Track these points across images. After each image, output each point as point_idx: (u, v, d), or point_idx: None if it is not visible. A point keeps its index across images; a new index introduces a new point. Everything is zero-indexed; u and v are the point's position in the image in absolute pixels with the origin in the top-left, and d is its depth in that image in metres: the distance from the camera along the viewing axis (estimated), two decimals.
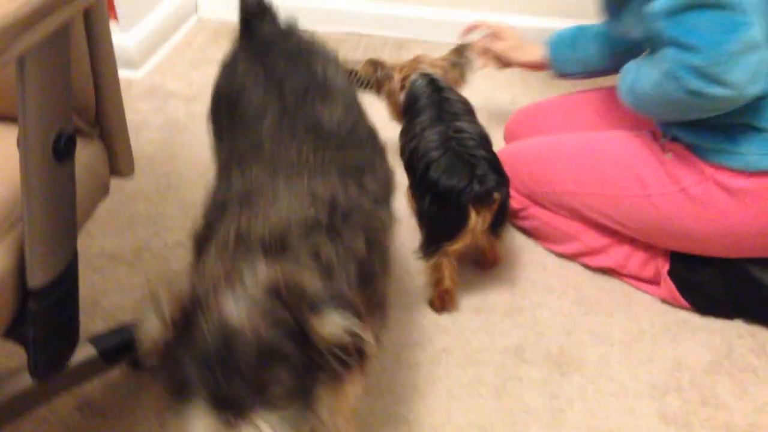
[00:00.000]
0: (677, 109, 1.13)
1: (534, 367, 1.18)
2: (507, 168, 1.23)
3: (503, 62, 1.57)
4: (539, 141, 1.40)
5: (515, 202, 1.36)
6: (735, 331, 1.24)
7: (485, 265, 1.36)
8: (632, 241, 1.29)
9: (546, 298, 1.31)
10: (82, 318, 0.88)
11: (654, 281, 1.29)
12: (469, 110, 1.35)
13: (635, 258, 1.29)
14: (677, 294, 1.26)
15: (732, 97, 1.04)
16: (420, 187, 1.24)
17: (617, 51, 1.40)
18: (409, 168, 1.29)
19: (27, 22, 0.57)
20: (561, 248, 1.36)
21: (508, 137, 1.55)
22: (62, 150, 0.71)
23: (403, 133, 1.35)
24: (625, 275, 1.32)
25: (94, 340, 1.08)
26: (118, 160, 0.92)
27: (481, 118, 1.36)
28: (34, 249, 0.73)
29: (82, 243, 1.33)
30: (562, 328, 1.25)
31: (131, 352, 1.13)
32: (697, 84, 1.03)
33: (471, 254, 1.34)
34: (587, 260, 1.34)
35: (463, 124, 1.27)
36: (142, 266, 1.37)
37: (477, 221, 1.17)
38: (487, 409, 1.12)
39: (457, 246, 1.20)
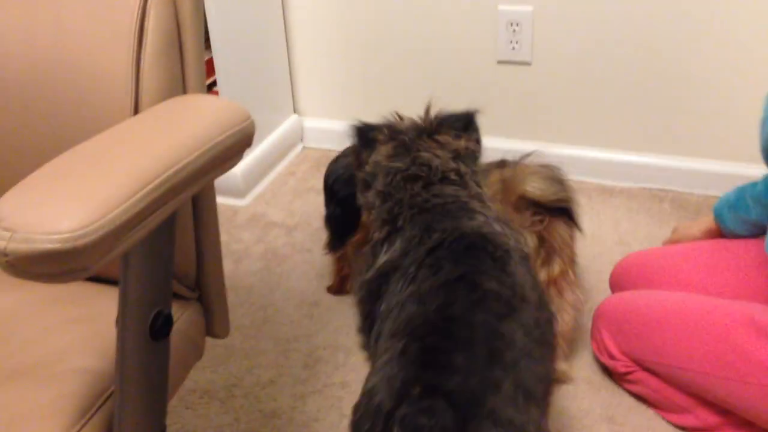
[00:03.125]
0: None
1: None
2: (610, 321, 1.25)
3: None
4: (642, 298, 1.30)
5: (620, 365, 1.28)
6: None
7: None
8: (750, 424, 1.17)
9: None
10: None
11: None
12: None
13: None
14: None
15: None
16: (328, 199, 1.56)
17: None
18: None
19: (134, 221, 0.57)
20: (673, 418, 1.25)
21: (614, 285, 1.48)
22: (159, 329, 0.70)
23: None
24: None
25: None
26: (214, 323, 0.92)
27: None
28: (124, 426, 0.72)
29: None
30: None
31: None
32: None
33: None
34: None
35: None
36: (232, 404, 1.36)
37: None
38: None
39: (358, 237, 1.53)
